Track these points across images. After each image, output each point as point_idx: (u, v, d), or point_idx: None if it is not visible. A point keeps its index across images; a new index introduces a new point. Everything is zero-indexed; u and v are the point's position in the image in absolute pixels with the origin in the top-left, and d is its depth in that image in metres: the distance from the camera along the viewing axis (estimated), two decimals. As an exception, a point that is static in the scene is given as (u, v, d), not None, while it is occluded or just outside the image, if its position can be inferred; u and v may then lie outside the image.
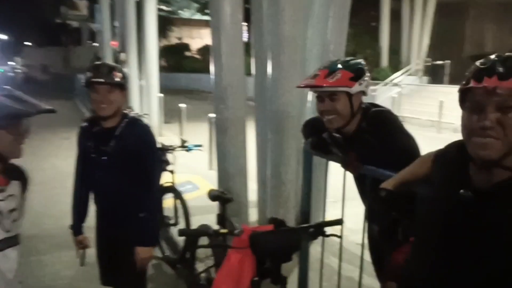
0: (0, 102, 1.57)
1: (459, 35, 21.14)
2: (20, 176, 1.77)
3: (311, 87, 2.04)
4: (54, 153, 8.84)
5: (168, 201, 4.26)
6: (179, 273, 3.80)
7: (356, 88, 2.00)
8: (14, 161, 1.80)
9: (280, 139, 3.63)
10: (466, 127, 1.15)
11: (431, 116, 13.12)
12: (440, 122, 12.56)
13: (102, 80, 2.23)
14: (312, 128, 2.30)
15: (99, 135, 2.35)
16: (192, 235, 2.41)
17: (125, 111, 2.42)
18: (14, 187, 1.70)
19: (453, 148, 1.33)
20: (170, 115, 11.94)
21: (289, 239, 1.97)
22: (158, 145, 4.13)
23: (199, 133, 8.34)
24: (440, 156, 1.41)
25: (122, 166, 2.33)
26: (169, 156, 4.22)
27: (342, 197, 2.23)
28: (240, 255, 1.99)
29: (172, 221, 4.22)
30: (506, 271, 1.10)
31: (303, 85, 2.06)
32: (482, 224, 1.13)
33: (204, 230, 2.07)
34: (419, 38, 19.19)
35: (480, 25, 21.35)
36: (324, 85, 1.97)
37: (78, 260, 2.49)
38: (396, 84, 16.65)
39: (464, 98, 1.17)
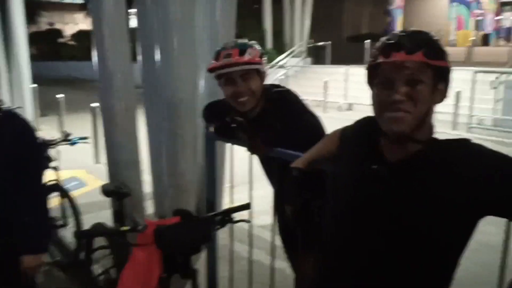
0: None
1: (337, 17, 22.62)
2: None
3: (226, 66, 1.91)
4: None
5: (54, 201, 3.87)
6: (73, 278, 3.48)
7: (264, 66, 1.96)
8: None
9: (175, 127, 3.47)
10: (378, 103, 1.17)
11: (317, 96, 13.87)
12: (326, 101, 13.31)
13: None
14: (213, 113, 2.20)
15: None
16: (90, 236, 2.17)
17: None
18: None
19: (362, 124, 1.35)
20: (48, 107, 10.88)
21: (197, 230, 1.88)
22: (39, 141, 3.73)
23: (82, 125, 7.72)
24: (348, 132, 1.42)
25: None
26: (51, 152, 3.81)
27: (249, 180, 2.19)
28: (145, 253, 1.84)
29: (60, 222, 3.84)
30: (420, 242, 1.13)
31: (217, 66, 1.93)
32: (396, 196, 1.16)
33: (104, 229, 1.87)
34: (301, 20, 19.95)
35: (357, 7, 23.12)
36: (243, 61, 1.87)
37: None
38: (281, 66, 17.20)
39: (373, 74, 1.18)
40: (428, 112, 1.15)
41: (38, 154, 2.15)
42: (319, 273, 1.39)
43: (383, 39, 1.16)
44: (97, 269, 3.12)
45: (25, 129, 2.07)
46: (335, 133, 1.51)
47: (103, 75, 3.56)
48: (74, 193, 5.26)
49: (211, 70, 1.93)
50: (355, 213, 1.24)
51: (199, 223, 1.89)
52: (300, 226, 1.57)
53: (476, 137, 9.08)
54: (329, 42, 18.63)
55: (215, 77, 1.97)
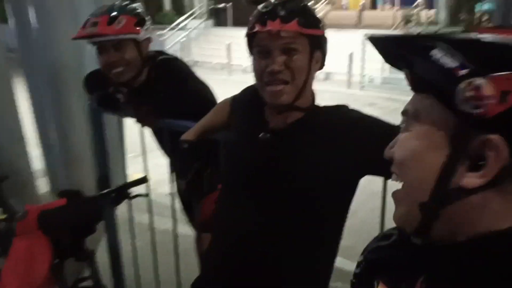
0: None
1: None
2: None
3: (93, 36, 1.73)
4: None
5: None
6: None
7: (142, 34, 1.81)
8: None
9: (60, 96, 3.16)
10: (257, 73, 1.16)
11: (221, 59, 13.68)
12: (230, 64, 13.19)
13: None
14: (95, 83, 2.02)
15: None
16: None
17: None
18: None
19: (249, 93, 1.33)
20: None
21: (87, 210, 1.74)
22: None
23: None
24: (237, 101, 1.40)
25: None
26: None
27: (142, 152, 2.07)
28: (28, 241, 1.66)
29: None
30: (306, 204, 1.16)
31: (81, 36, 1.74)
32: (280, 163, 1.18)
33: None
34: (200, -20, 19.34)
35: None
36: (109, 33, 1.71)
37: None
38: (182, 29, 16.64)
39: (251, 43, 1.17)
40: (308, 80, 1.16)
41: None
42: (211, 243, 1.38)
43: (260, 7, 1.13)
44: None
45: None
46: (226, 102, 1.48)
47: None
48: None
49: (77, 38, 1.74)
50: (244, 180, 1.24)
51: (88, 203, 1.74)
52: (193, 198, 1.54)
53: (369, 95, 9.75)
54: (230, 3, 18.36)
55: (90, 44, 1.79)
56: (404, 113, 0.58)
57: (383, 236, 0.70)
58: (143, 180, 1.94)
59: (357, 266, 0.71)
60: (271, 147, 1.19)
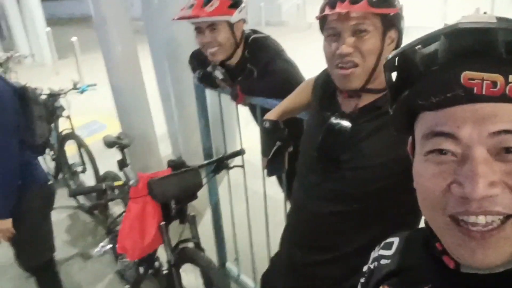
0: None
1: None
2: None
3: (187, 18, 1.86)
4: None
5: (70, 148, 4.02)
6: (97, 220, 3.71)
7: (236, 16, 1.87)
8: None
9: (177, 70, 3.43)
10: (327, 56, 1.14)
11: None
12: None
13: None
14: (198, 61, 2.16)
15: None
16: (85, 194, 2.27)
17: None
18: None
19: (325, 74, 1.31)
20: (65, 49, 10.90)
21: (189, 179, 1.93)
22: (47, 91, 3.79)
23: (99, 67, 7.73)
24: (316, 82, 1.39)
25: None
26: (62, 101, 3.88)
27: (238, 130, 2.18)
28: (140, 204, 1.92)
29: (79, 169, 4.01)
30: (370, 193, 1.14)
31: (180, 17, 1.88)
32: (348, 149, 1.16)
33: (95, 187, 1.95)
34: None
35: None
36: (203, 15, 1.81)
37: None
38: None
39: (323, 27, 1.14)
40: (380, 62, 1.11)
41: (2, 116, 1.96)
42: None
43: None
44: (118, 211, 3.29)
45: None
46: (308, 82, 1.47)
47: (97, 16, 3.47)
48: (95, 137, 5.45)
49: (178, 19, 1.86)
50: (310, 162, 1.25)
51: (190, 173, 1.92)
52: (272, 175, 1.59)
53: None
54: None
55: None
56: (510, 132, 0.46)
57: (385, 244, 0.69)
58: (239, 153, 2.07)
59: (362, 275, 0.70)
60: (340, 131, 1.17)
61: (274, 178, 2.11)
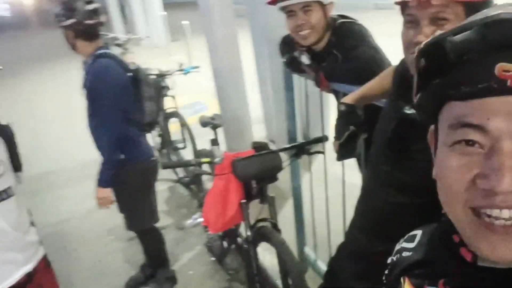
0: None
1: None
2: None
3: (282, 1, 1.88)
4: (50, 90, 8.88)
5: (173, 126, 4.33)
6: (193, 194, 3.98)
7: None
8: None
9: (276, 54, 3.47)
10: (403, 43, 1.09)
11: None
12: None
13: None
14: (286, 46, 2.18)
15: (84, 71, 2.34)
16: (175, 167, 2.45)
17: (100, 46, 2.35)
18: None
19: (404, 63, 1.26)
20: (177, 32, 11.63)
21: (269, 161, 1.99)
22: (155, 72, 4.13)
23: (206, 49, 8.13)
24: (396, 69, 1.34)
25: (88, 105, 2.30)
26: (168, 81, 4.19)
27: (321, 115, 2.18)
28: (223, 181, 2.04)
29: (180, 145, 4.32)
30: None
31: (273, 0, 1.91)
32: (423, 139, 1.11)
33: (185, 162, 2.11)
34: None
35: None
36: None
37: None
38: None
39: (403, 12, 1.09)
40: None
41: (108, 96, 2.23)
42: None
43: None
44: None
45: (99, 70, 2.23)
46: (391, 69, 1.42)
47: (202, 1, 3.65)
48: (197, 116, 5.79)
49: (271, 3, 1.89)
50: (380, 153, 1.22)
51: (270, 155, 1.98)
52: (344, 159, 1.57)
53: None
54: None
55: (280, 9, 1.93)
56: None
57: (408, 237, 0.68)
58: (321, 139, 2.07)
59: (386, 267, 0.69)
60: (414, 121, 1.12)
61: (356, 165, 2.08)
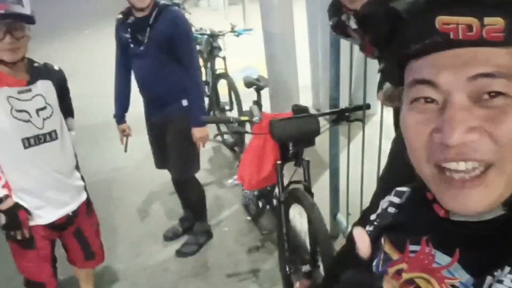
0: None
1: None
2: (50, 75, 1.88)
3: None
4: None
5: (222, 88, 4.39)
6: (235, 155, 4.07)
7: None
8: (49, 62, 1.96)
9: (327, 19, 3.40)
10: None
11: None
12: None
13: None
14: (334, 9, 2.13)
15: (134, 26, 2.44)
16: (214, 123, 2.51)
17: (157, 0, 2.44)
18: (42, 86, 1.83)
19: None
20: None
21: (307, 125, 1.99)
22: (207, 32, 4.17)
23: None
24: None
25: (158, 53, 2.42)
26: (220, 42, 4.23)
27: (363, 83, 2.13)
28: (261, 141, 2.07)
29: (227, 107, 4.38)
30: None
31: None
32: None
33: (224, 118, 2.15)
34: None
35: None
36: None
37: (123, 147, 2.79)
38: None
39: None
40: None
41: (190, 39, 2.46)
42: None
43: None
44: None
45: (176, 17, 2.40)
46: None
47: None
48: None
49: None
50: None
51: (308, 119, 1.98)
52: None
53: None
54: None
55: None
56: (489, 75, 0.45)
57: (396, 192, 0.66)
58: (360, 107, 2.04)
59: (370, 224, 0.68)
60: None
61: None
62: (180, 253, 2.86)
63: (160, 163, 2.83)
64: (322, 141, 2.54)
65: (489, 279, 0.49)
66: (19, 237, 1.86)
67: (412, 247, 0.57)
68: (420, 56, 0.49)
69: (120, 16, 2.53)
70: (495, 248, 0.50)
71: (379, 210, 0.68)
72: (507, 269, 0.48)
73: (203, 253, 2.88)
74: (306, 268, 2.08)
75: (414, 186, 0.65)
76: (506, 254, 0.49)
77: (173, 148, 2.64)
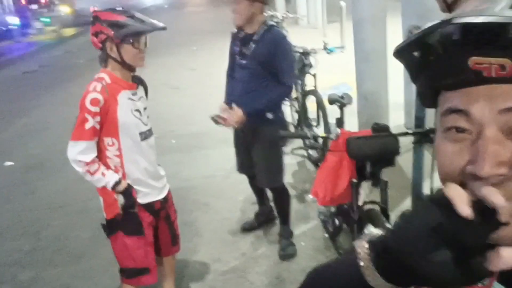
0: (125, 23, 1.94)
1: None
2: (142, 82, 2.23)
3: None
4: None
5: (311, 105, 4.42)
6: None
7: None
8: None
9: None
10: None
11: None
12: None
13: None
14: None
15: (243, 40, 2.72)
16: (290, 137, 2.55)
17: (266, 20, 2.72)
18: (140, 91, 2.19)
19: None
20: (335, 13, 11.55)
21: (386, 144, 1.95)
22: (299, 49, 4.25)
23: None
24: None
25: (259, 68, 2.65)
26: (311, 59, 4.27)
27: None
28: (337, 158, 2.07)
29: (314, 123, 4.40)
30: None
31: None
32: None
33: (301, 133, 2.18)
34: None
35: None
36: None
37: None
38: None
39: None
40: None
41: (289, 57, 2.68)
42: None
43: None
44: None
45: (278, 37, 2.65)
46: None
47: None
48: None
49: None
50: None
51: (387, 138, 1.93)
52: None
53: None
54: None
55: None
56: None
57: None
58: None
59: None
60: None
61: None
62: (285, 257, 2.96)
63: (244, 168, 3.04)
64: (408, 164, 2.46)
65: None
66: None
67: None
68: (454, 88, 0.50)
69: (235, 30, 2.82)
70: None
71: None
72: None
73: (279, 265, 2.91)
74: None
75: None
76: None
77: (260, 158, 2.80)
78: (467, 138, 0.49)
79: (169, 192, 2.40)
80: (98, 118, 1.98)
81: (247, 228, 3.29)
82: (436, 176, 1.90)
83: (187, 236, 2.58)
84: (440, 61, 0.50)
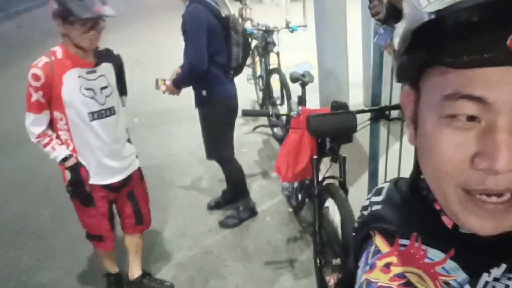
0: (65, 2, 1.88)
1: None
2: (111, 59, 2.18)
3: None
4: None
5: (275, 83, 4.47)
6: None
7: None
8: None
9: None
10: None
11: None
12: None
13: None
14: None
15: None
16: (253, 116, 2.61)
17: None
18: (104, 68, 2.12)
19: None
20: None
21: (344, 121, 2.03)
22: (262, 27, 4.26)
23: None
24: None
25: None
26: (275, 38, 4.30)
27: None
28: (298, 135, 2.15)
29: (279, 101, 4.46)
30: None
31: None
32: None
33: (263, 112, 2.24)
34: None
35: None
36: None
37: None
38: None
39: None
40: None
41: (191, 34, 2.56)
42: None
43: None
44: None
45: (187, 13, 2.57)
46: None
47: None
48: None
49: None
50: None
51: (346, 115, 2.02)
52: None
53: None
54: None
55: None
56: None
57: (376, 190, 0.67)
58: (399, 106, 2.04)
59: (356, 221, 0.69)
60: None
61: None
62: (222, 224, 3.13)
63: None
64: (366, 139, 2.56)
65: (485, 275, 0.48)
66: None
67: (402, 241, 0.57)
68: (466, 67, 0.42)
69: None
70: (493, 246, 0.49)
71: (363, 211, 0.67)
72: (503, 266, 0.47)
73: (245, 238, 3.01)
74: (337, 261, 2.13)
75: (396, 181, 0.66)
76: (503, 252, 0.48)
77: (202, 133, 2.95)
78: (475, 127, 0.43)
79: (137, 171, 2.41)
80: (40, 93, 1.98)
81: (213, 206, 3.35)
82: (392, 151, 1.97)
83: (152, 213, 2.62)
84: (461, 36, 0.41)
